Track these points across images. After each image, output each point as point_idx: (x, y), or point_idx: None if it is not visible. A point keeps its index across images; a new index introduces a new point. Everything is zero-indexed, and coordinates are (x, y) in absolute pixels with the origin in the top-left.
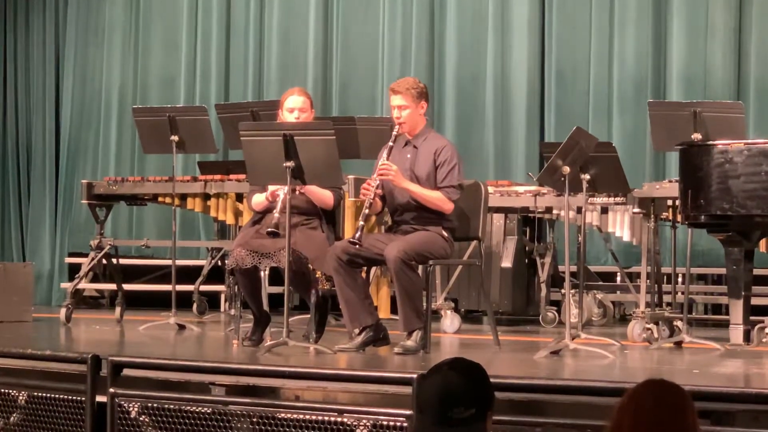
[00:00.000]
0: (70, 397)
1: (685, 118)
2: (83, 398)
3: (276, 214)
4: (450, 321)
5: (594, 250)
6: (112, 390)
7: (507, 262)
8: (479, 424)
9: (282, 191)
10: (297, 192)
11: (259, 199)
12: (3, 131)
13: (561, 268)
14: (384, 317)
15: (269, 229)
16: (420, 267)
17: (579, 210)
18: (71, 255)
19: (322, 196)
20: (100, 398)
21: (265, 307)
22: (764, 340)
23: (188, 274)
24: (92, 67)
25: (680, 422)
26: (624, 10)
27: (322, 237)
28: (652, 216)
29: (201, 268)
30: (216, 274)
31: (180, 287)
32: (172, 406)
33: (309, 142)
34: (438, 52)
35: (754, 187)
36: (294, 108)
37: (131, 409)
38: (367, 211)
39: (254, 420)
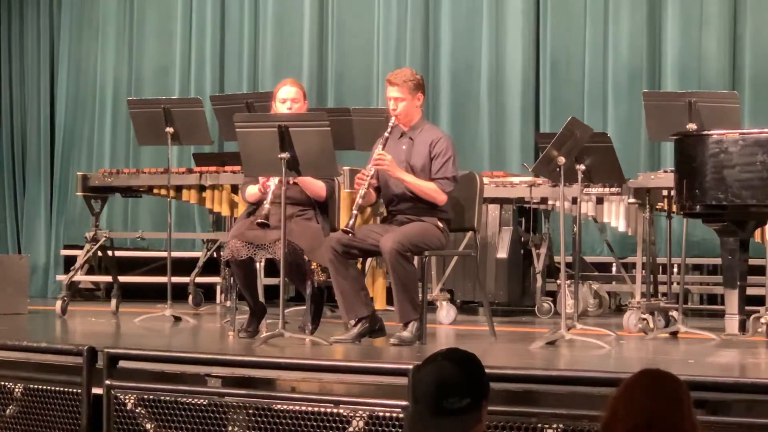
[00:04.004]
0: (66, 390)
1: (680, 108)
2: (79, 390)
3: (266, 205)
4: (446, 312)
5: (589, 241)
6: (108, 382)
7: (502, 253)
8: (474, 413)
9: (272, 182)
10: (290, 182)
11: (252, 191)
12: None
13: (556, 258)
14: (380, 308)
15: (259, 220)
16: (415, 258)
17: (574, 200)
18: (66, 247)
19: (314, 186)
20: (96, 390)
21: (261, 298)
22: (759, 330)
23: (184, 266)
24: (87, 59)
25: (676, 412)
26: None
27: (317, 228)
28: (648, 206)
29: (196, 259)
30: (211, 266)
31: (176, 279)
32: (168, 398)
33: (304, 133)
34: (432, 43)
35: (749, 177)
36: (286, 99)
37: (127, 401)
38: (360, 200)
39: (250, 411)
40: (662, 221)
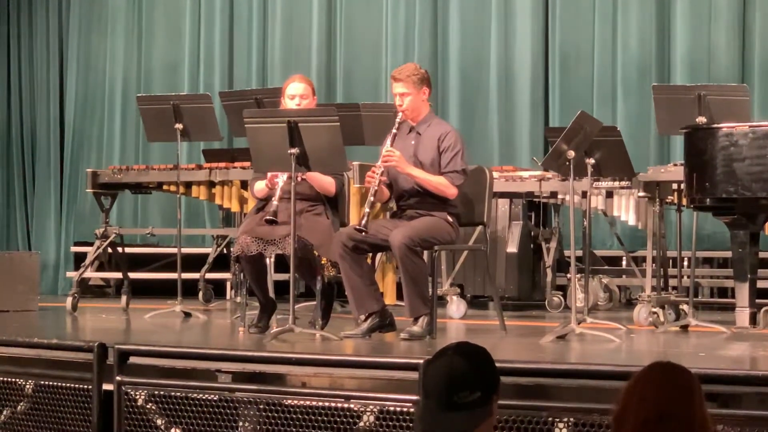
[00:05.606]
0: (76, 386)
1: (690, 101)
2: (90, 387)
3: (274, 201)
4: (456, 306)
5: (599, 235)
6: (118, 378)
7: (512, 247)
8: (485, 407)
9: (281, 178)
10: (299, 178)
11: (260, 186)
12: (8, 122)
13: (566, 252)
14: (390, 303)
15: (267, 217)
16: (425, 253)
17: (584, 194)
18: (77, 244)
19: (323, 182)
20: (106, 386)
21: (271, 294)
22: None
23: (194, 262)
24: (96, 56)
25: (687, 405)
26: None
27: (327, 223)
28: (657, 200)
29: (206, 255)
30: (221, 262)
31: (186, 275)
32: (178, 394)
33: (313, 129)
34: (441, 38)
35: (760, 170)
36: (295, 95)
37: (138, 397)
38: (372, 198)
39: (261, 407)
40: (672, 215)
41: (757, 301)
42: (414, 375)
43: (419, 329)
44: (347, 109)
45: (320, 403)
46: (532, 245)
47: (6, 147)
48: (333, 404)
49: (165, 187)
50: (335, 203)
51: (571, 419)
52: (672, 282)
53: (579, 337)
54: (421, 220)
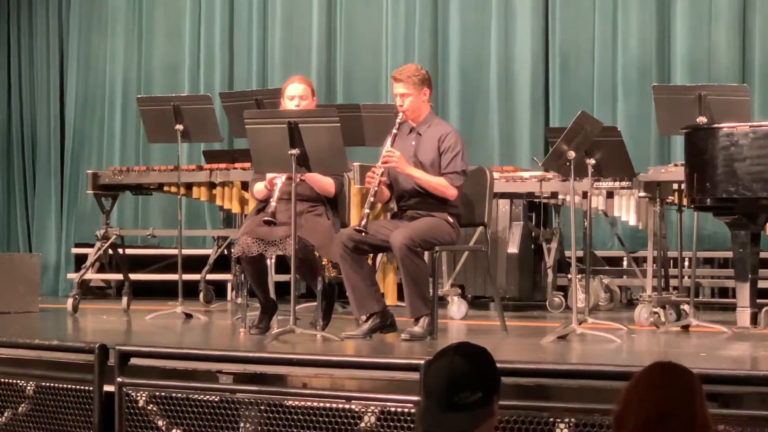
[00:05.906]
0: (77, 387)
1: (690, 101)
2: (91, 388)
3: (273, 202)
4: (457, 307)
5: (600, 235)
6: (119, 379)
7: (513, 248)
8: (485, 408)
9: (279, 179)
10: (298, 179)
11: (260, 187)
12: (8, 123)
13: (567, 253)
14: (391, 304)
15: (266, 218)
16: (426, 253)
17: (584, 195)
18: (77, 245)
19: (323, 183)
20: (107, 388)
21: (272, 295)
22: None
23: (194, 263)
24: (96, 57)
25: (688, 405)
26: None
27: (327, 224)
28: (658, 200)
29: (207, 257)
30: (222, 263)
31: (186, 276)
32: (179, 395)
33: (314, 130)
34: (441, 38)
35: (760, 170)
36: (294, 96)
37: (139, 398)
38: (372, 198)
39: (262, 408)
40: (673, 215)
41: (758, 301)
42: (415, 375)
43: (420, 330)
44: (347, 110)
45: (321, 404)
46: (532, 246)
47: (6, 147)
48: (334, 405)
49: (165, 188)
50: (336, 204)
51: (572, 420)
52: (673, 282)
53: (580, 337)
54: (421, 220)
